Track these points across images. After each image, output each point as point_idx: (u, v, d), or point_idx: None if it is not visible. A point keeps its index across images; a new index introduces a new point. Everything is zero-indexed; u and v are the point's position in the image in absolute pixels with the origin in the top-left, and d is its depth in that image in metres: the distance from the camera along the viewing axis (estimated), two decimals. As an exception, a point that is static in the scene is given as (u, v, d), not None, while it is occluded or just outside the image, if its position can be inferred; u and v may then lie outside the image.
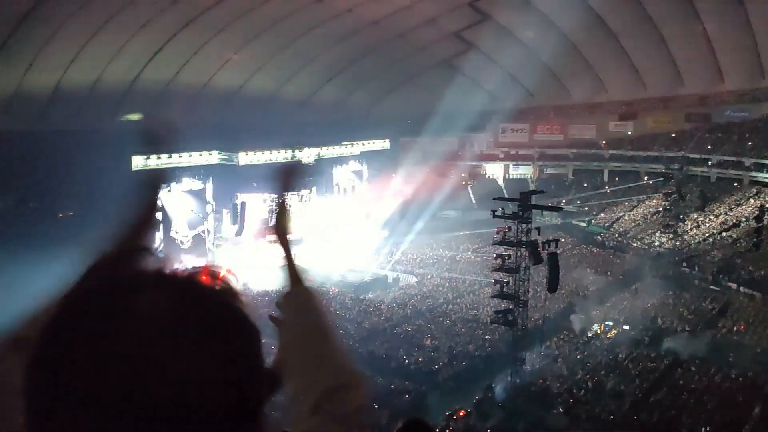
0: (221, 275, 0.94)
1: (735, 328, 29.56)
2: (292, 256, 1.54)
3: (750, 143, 46.94)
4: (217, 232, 41.35)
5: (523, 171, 55.80)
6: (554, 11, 43.57)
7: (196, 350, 0.82)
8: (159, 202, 1.57)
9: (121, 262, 1.01)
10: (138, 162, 38.64)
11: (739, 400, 22.21)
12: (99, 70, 38.24)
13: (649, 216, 46.60)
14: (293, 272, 1.51)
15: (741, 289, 33.92)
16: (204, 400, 0.81)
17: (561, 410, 22.57)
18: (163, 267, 0.92)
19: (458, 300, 35.84)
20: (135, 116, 42.40)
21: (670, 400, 22.82)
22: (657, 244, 42.50)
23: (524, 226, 26.08)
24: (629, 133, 54.12)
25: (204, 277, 0.91)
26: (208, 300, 0.88)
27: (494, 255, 28.48)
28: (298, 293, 1.49)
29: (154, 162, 39.15)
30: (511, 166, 56.54)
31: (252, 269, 31.69)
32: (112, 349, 0.79)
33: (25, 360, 1.12)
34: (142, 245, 1.31)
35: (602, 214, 49.50)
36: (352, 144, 49.98)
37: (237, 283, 0.98)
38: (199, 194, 40.07)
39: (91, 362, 0.78)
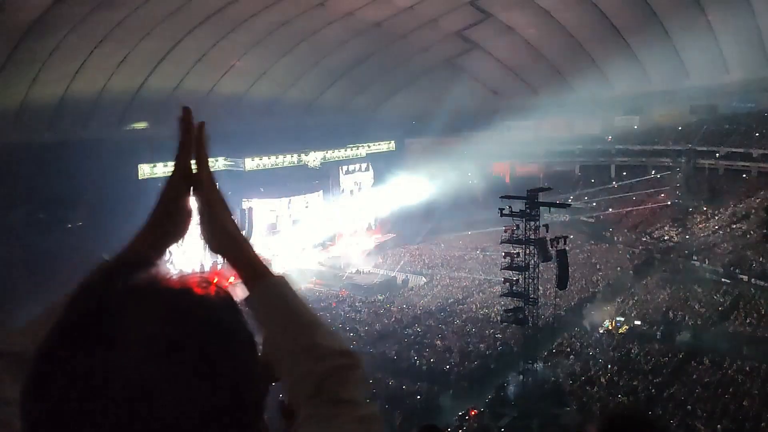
0: (214, 282, 0.90)
1: (748, 321, 29.39)
2: (252, 247, 1.36)
3: (757, 134, 46.64)
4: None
5: (529, 168, 55.59)
6: (556, 7, 43.45)
7: (188, 372, 0.79)
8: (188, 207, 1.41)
9: (114, 275, 0.89)
10: (145, 170, 38.89)
11: (754, 393, 22.08)
12: (104, 79, 38.41)
13: (658, 210, 46.38)
14: (258, 264, 1.32)
15: (753, 281, 33.68)
16: (197, 424, 0.78)
17: (574, 407, 22.50)
18: (155, 278, 0.88)
19: (468, 299, 35.77)
20: (141, 125, 42.67)
21: (684, 394, 22.70)
22: (666, 237, 42.29)
23: (532, 223, 26.01)
24: (635, 127, 53.86)
25: (196, 286, 0.87)
26: (201, 312, 0.85)
27: (503, 253, 28.40)
28: (268, 285, 1.29)
29: (161, 170, 39.44)
30: (517, 164, 56.35)
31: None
32: (97, 380, 0.75)
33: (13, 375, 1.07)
34: (146, 255, 1.24)
35: (610, 210, 49.31)
36: (358, 146, 50.08)
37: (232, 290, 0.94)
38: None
39: (77, 394, 0.75)
